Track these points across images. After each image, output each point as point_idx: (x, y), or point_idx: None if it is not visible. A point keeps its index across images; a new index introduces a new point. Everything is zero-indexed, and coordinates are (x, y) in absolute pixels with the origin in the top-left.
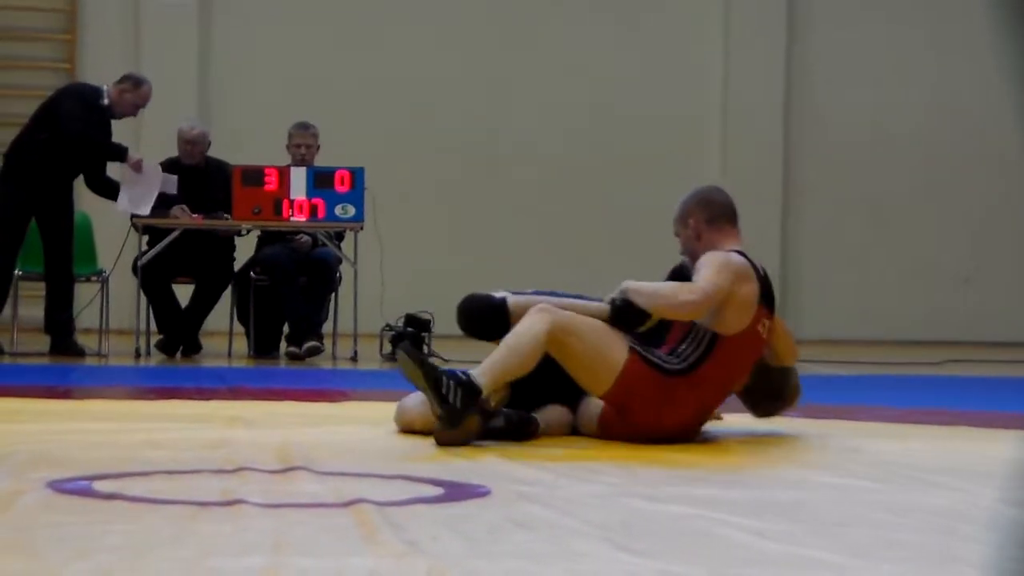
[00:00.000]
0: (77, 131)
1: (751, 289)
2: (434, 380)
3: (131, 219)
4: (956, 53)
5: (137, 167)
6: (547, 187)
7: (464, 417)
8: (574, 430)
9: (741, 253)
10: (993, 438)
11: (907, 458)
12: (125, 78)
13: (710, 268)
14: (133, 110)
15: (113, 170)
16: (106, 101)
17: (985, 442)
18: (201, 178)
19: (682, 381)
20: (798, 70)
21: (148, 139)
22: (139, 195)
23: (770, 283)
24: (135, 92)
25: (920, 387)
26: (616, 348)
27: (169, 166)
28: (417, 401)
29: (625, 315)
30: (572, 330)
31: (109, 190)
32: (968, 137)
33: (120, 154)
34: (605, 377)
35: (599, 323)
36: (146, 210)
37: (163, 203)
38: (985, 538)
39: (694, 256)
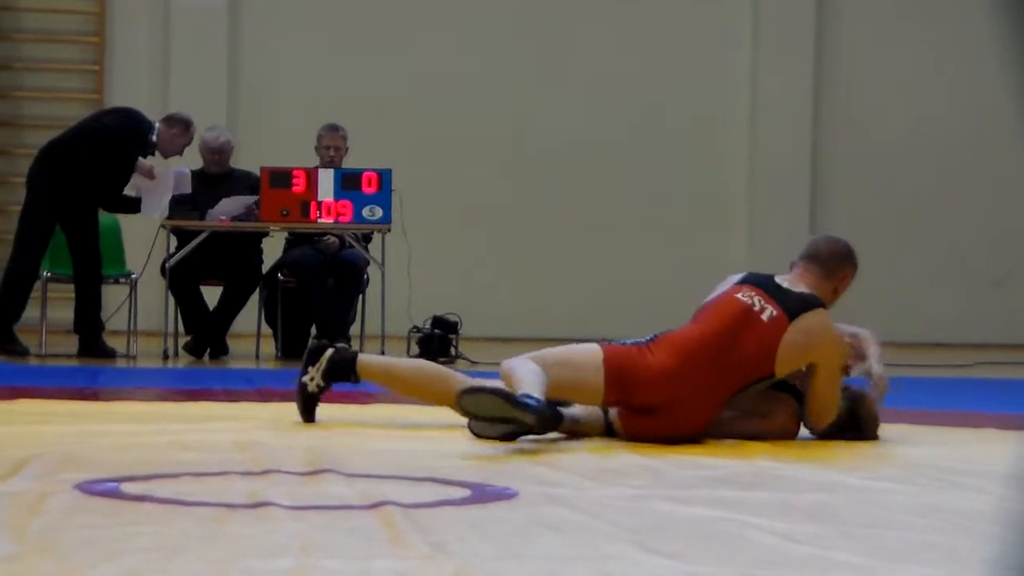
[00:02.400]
0: (122, 153)
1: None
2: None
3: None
4: (985, 53)
5: (150, 174)
6: (575, 188)
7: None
8: (609, 428)
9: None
10: (1021, 440)
11: (934, 460)
12: (174, 120)
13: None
14: (181, 151)
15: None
16: (154, 138)
17: (1013, 445)
18: (226, 185)
19: (652, 347)
20: (827, 71)
21: None
22: (155, 200)
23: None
24: (185, 135)
25: (949, 389)
26: (589, 351)
27: (195, 177)
28: None
29: None
30: (549, 363)
31: (129, 206)
32: (999, 138)
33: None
34: (594, 381)
35: (569, 347)
36: (164, 212)
37: (176, 201)
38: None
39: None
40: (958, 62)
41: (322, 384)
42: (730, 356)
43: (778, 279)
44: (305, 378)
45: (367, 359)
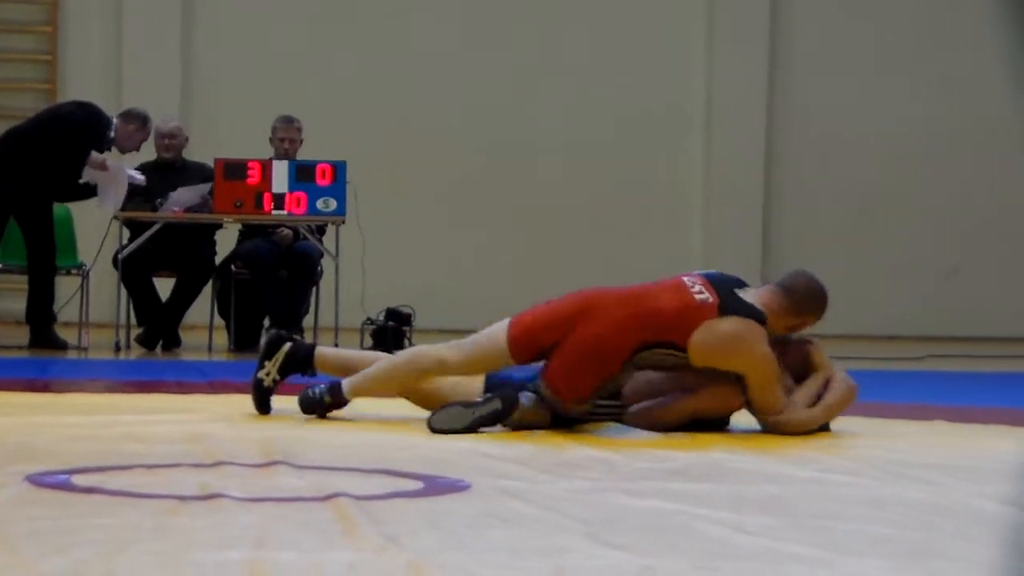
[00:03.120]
0: (77, 146)
1: None
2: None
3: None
4: (940, 47)
5: (102, 166)
6: (529, 183)
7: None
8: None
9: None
10: (971, 433)
11: (886, 452)
12: (132, 116)
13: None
14: (138, 146)
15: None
16: (112, 134)
17: (963, 437)
18: (180, 176)
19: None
20: (782, 67)
21: None
22: (111, 193)
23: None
24: (143, 131)
25: (901, 382)
26: (497, 330)
27: (147, 169)
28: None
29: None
30: (467, 342)
31: (83, 193)
32: (952, 132)
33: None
34: (500, 338)
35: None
36: (119, 205)
37: (129, 193)
38: (967, 533)
39: None
40: (912, 58)
41: (278, 378)
42: (646, 304)
43: (737, 289)
44: (261, 373)
45: (324, 352)
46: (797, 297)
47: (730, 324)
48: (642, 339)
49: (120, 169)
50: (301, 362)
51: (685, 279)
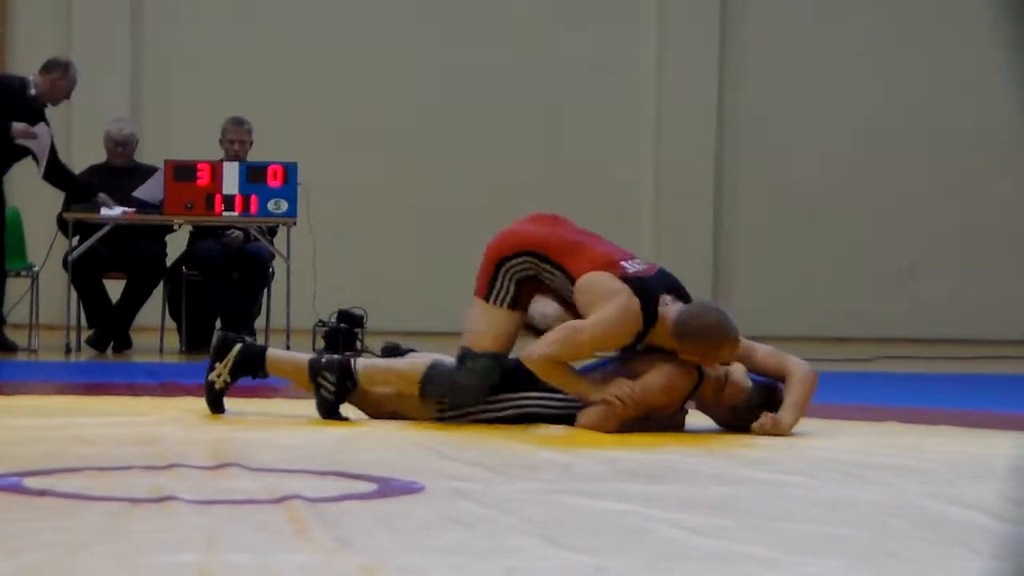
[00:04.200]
0: None
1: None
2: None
3: (58, 217)
4: (891, 50)
5: (29, 134)
6: (480, 185)
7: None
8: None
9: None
10: (922, 434)
11: (837, 453)
12: (51, 66)
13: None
14: (67, 94)
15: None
16: (33, 91)
17: (914, 438)
18: (131, 179)
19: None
20: (732, 68)
21: (79, 134)
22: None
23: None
24: (65, 77)
25: (852, 383)
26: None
27: (97, 171)
28: None
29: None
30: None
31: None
32: (903, 134)
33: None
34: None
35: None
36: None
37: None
38: (917, 533)
39: None
40: (862, 59)
41: (228, 380)
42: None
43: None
44: (212, 375)
45: (275, 354)
46: (680, 326)
47: (619, 287)
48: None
49: (44, 133)
50: (252, 364)
51: (637, 258)
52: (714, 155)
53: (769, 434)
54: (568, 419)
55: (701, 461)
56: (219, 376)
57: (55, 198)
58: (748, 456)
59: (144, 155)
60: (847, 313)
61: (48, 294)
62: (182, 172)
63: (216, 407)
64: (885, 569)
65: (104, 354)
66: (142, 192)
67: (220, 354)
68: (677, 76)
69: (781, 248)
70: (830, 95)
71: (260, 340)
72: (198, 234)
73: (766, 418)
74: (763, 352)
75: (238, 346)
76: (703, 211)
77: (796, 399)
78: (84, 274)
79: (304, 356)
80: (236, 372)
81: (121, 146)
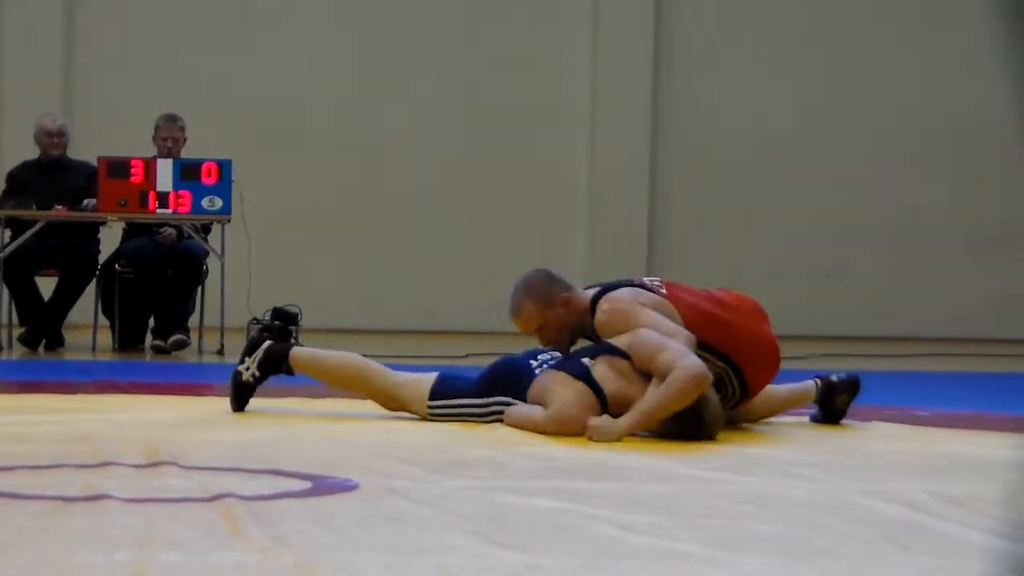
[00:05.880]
0: None
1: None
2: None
3: None
4: (825, 47)
5: None
6: (415, 183)
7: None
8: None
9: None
10: (854, 431)
11: (769, 450)
12: None
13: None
14: None
15: None
16: None
17: (846, 435)
18: (63, 174)
19: None
20: (666, 65)
21: (10, 130)
22: None
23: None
24: None
25: (784, 381)
26: None
27: (30, 166)
28: None
29: None
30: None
31: None
32: (834, 133)
33: None
34: None
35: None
36: None
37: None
38: (850, 530)
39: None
40: (796, 59)
41: (257, 374)
42: None
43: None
44: (241, 367)
45: (299, 352)
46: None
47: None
48: None
49: None
50: (277, 360)
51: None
52: (648, 155)
53: (592, 438)
54: None
55: (635, 459)
56: (247, 368)
57: None
58: (681, 454)
59: (76, 151)
60: (780, 311)
61: None
62: (115, 169)
63: (239, 401)
64: (818, 565)
65: (36, 352)
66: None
67: (251, 349)
68: (611, 73)
69: (716, 246)
70: (764, 93)
71: (194, 338)
72: (131, 231)
73: (599, 419)
74: (661, 357)
75: (268, 342)
76: (637, 211)
77: (648, 406)
78: (16, 271)
79: (326, 354)
80: (264, 367)
81: (57, 136)
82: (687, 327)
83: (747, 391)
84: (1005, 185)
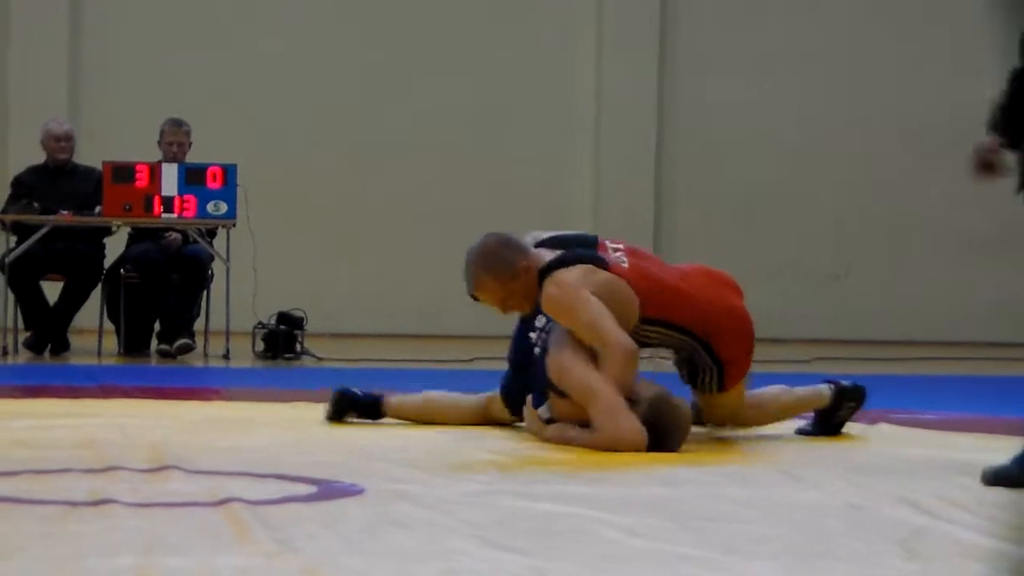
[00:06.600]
0: None
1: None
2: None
3: None
4: (827, 49)
5: None
6: (421, 186)
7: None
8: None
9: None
10: (857, 435)
11: (773, 454)
12: None
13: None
14: None
15: None
16: None
17: (849, 439)
18: (69, 180)
19: None
20: (671, 65)
21: (17, 135)
22: None
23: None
24: None
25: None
26: None
27: (37, 171)
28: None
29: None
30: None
31: None
32: (840, 135)
33: None
34: None
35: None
36: None
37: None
38: (852, 533)
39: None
40: (799, 60)
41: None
42: None
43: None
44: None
45: (387, 402)
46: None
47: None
48: None
49: None
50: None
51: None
52: (654, 155)
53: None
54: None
55: (637, 462)
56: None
57: None
58: (684, 457)
59: (82, 157)
60: (783, 313)
61: None
62: (120, 174)
63: (337, 411)
64: (819, 569)
65: (42, 356)
66: None
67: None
68: (616, 73)
69: (718, 246)
70: (767, 94)
71: (199, 342)
72: (136, 236)
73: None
74: (590, 410)
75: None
76: (642, 211)
77: (578, 441)
78: (21, 276)
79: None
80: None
81: (64, 140)
82: (643, 302)
83: (721, 365)
84: (1006, 185)
